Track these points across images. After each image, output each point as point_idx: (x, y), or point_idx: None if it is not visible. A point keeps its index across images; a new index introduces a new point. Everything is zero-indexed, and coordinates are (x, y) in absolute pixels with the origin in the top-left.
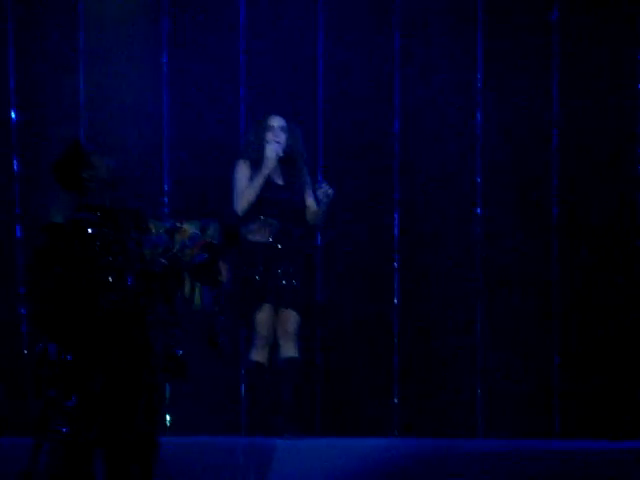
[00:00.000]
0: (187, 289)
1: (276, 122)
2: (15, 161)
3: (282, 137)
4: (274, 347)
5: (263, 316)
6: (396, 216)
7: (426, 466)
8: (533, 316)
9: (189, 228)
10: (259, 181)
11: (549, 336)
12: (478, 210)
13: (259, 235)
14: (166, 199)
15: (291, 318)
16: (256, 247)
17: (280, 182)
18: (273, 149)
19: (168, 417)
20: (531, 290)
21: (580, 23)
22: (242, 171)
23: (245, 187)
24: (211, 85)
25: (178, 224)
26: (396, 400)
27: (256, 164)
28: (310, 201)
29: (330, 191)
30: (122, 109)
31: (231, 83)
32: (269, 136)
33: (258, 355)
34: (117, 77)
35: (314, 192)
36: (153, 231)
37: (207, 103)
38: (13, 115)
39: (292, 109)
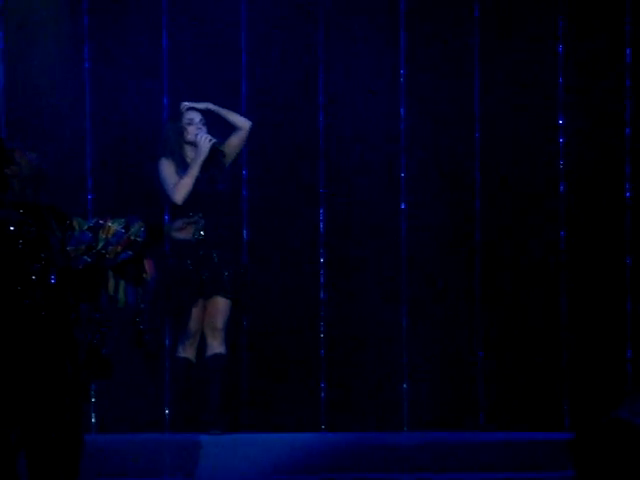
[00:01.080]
0: (111, 287)
1: (195, 116)
2: None
3: (204, 129)
4: (201, 343)
5: (195, 310)
6: (321, 211)
7: (352, 460)
8: (458, 309)
9: (113, 225)
10: (195, 169)
11: (474, 329)
12: (402, 205)
13: (184, 233)
14: (89, 196)
15: (219, 311)
16: (184, 241)
17: (200, 175)
18: (206, 137)
19: (93, 415)
20: (456, 284)
21: (502, 18)
22: (168, 167)
23: (178, 177)
24: (134, 82)
25: (102, 221)
26: (323, 395)
27: (179, 162)
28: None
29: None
30: (43, 106)
31: (154, 79)
32: (191, 130)
33: (186, 351)
34: (38, 73)
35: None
36: (77, 228)
37: (129, 99)
38: None
39: (216, 103)
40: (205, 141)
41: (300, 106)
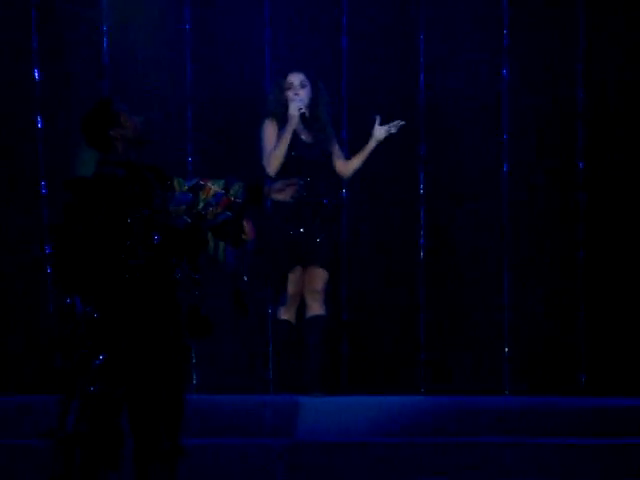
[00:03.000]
0: (211, 248)
1: (296, 79)
2: (39, 118)
3: (302, 93)
4: (301, 305)
5: (292, 275)
6: (421, 175)
7: (453, 423)
8: (561, 274)
9: (213, 186)
10: (285, 139)
11: (575, 287)
12: (505, 167)
13: (283, 195)
14: (190, 159)
15: (319, 276)
16: (285, 206)
17: (305, 138)
18: (295, 106)
19: (194, 375)
20: (559, 249)
21: None
22: (269, 130)
23: (273, 147)
24: (235, 43)
25: (202, 182)
26: (422, 357)
27: (282, 122)
28: (338, 154)
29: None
30: (146, 68)
31: (255, 41)
32: (290, 93)
33: (286, 313)
34: (141, 36)
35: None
36: (177, 189)
37: (231, 62)
38: (36, 74)
39: (315, 64)
40: (294, 110)
41: (400, 65)
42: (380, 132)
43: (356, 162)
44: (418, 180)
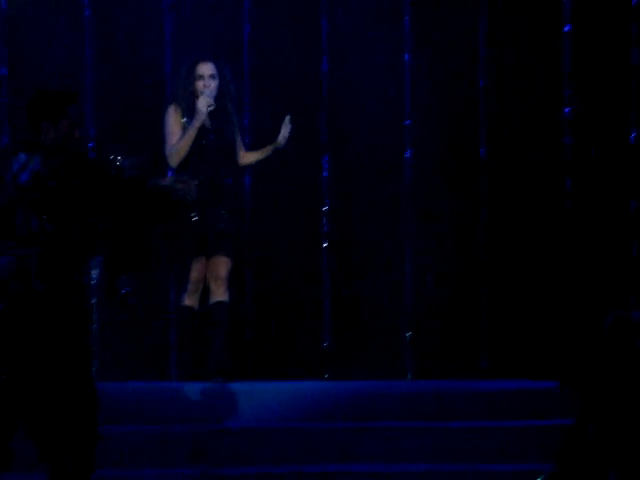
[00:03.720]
0: None
1: (206, 70)
2: None
3: (212, 84)
4: (204, 292)
5: (196, 261)
6: (326, 159)
7: (356, 408)
8: (463, 255)
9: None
10: (190, 135)
11: (477, 272)
12: (407, 154)
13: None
14: (91, 144)
15: (223, 263)
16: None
17: (210, 126)
18: (204, 102)
19: (96, 363)
20: (460, 230)
21: None
22: (172, 118)
23: (177, 138)
24: (136, 28)
25: None
26: (326, 344)
27: (186, 110)
28: (239, 143)
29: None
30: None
31: (155, 26)
32: (199, 85)
33: (189, 300)
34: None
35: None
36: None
37: (133, 47)
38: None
39: (219, 51)
40: (203, 106)
41: (303, 51)
42: (283, 140)
43: (253, 158)
44: (321, 167)
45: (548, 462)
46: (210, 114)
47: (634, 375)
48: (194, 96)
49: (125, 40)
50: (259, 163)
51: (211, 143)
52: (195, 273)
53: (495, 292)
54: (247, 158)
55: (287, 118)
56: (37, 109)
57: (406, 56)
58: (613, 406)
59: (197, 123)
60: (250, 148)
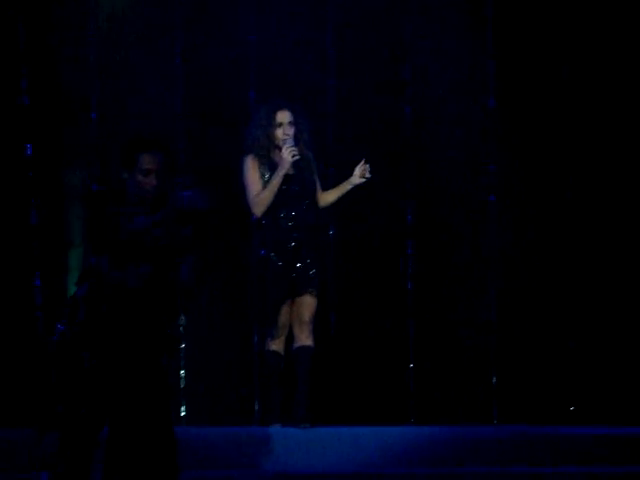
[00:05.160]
0: None
1: (285, 118)
2: (29, 146)
3: (291, 132)
4: (289, 336)
5: (283, 306)
6: (410, 205)
7: (441, 452)
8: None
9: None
10: (276, 184)
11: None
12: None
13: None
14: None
15: (308, 306)
16: (274, 238)
17: (292, 172)
18: (289, 151)
19: (183, 407)
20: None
21: None
22: (252, 168)
23: (260, 188)
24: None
25: None
26: (412, 387)
27: (264, 158)
28: (318, 186)
29: (367, 172)
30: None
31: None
32: (279, 133)
33: (275, 344)
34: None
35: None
36: None
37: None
38: (26, 101)
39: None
40: (288, 155)
41: (384, 96)
42: (356, 178)
43: (331, 197)
44: (405, 212)
45: None
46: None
47: None
48: (273, 144)
49: (213, 86)
50: (346, 206)
51: (294, 189)
52: (282, 317)
53: (581, 337)
54: (325, 198)
55: (362, 161)
56: (118, 157)
57: (491, 101)
58: None
59: (282, 172)
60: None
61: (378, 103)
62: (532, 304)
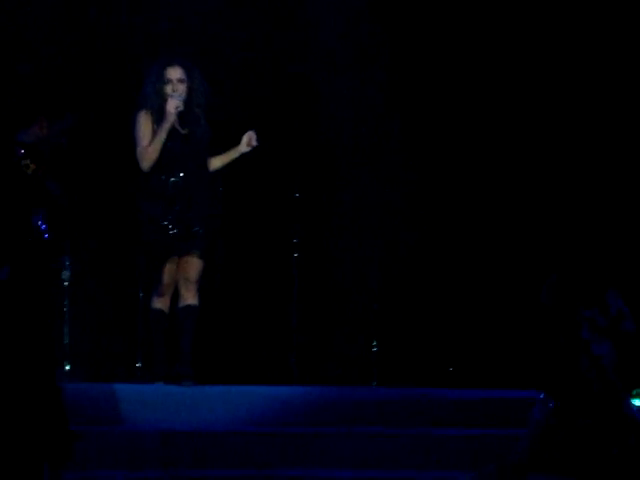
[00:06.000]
0: None
1: (175, 74)
2: None
3: (181, 88)
4: (174, 294)
5: (168, 264)
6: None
7: (321, 411)
8: None
9: None
10: (161, 136)
11: None
12: None
13: None
14: None
15: (193, 266)
16: (159, 194)
17: (181, 130)
18: (173, 104)
19: (66, 364)
20: None
21: None
22: (144, 123)
23: (148, 141)
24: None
25: None
26: (295, 349)
27: (157, 114)
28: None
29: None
30: None
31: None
32: (168, 88)
33: (160, 302)
34: None
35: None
36: None
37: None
38: None
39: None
40: (172, 108)
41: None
42: (243, 146)
43: (218, 163)
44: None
45: None
46: (180, 117)
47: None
48: (163, 100)
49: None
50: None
51: (181, 147)
52: (166, 276)
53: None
54: (212, 163)
55: (251, 131)
56: None
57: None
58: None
59: (167, 125)
60: None
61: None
62: (412, 273)
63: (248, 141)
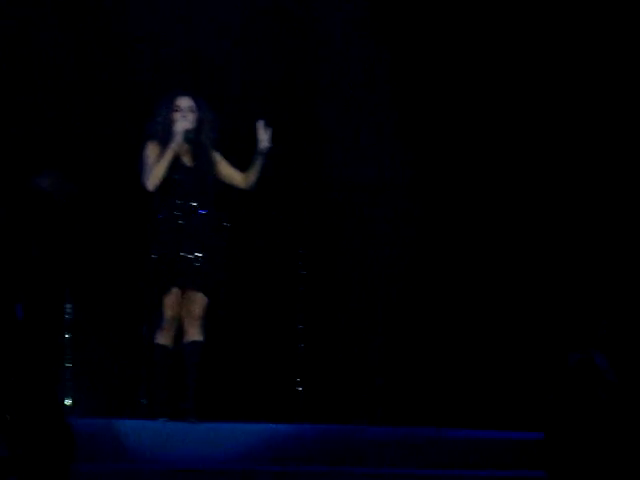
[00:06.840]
0: None
1: (184, 102)
2: None
3: (190, 116)
4: (179, 330)
5: (171, 299)
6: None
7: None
8: None
9: None
10: (168, 156)
11: None
12: None
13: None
14: None
15: (198, 301)
16: (163, 227)
17: (189, 164)
18: (181, 125)
19: (69, 400)
20: None
21: None
22: (152, 151)
23: (154, 164)
24: None
25: None
26: (300, 387)
27: (165, 145)
28: (230, 171)
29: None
30: None
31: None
32: (177, 116)
33: (163, 338)
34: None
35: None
36: None
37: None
38: None
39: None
40: (179, 128)
41: None
42: (262, 144)
43: (252, 175)
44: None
45: None
46: (188, 148)
47: (594, 423)
48: (172, 129)
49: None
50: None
51: (187, 178)
52: (170, 311)
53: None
54: (249, 179)
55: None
56: None
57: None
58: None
59: (174, 145)
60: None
61: None
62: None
63: (262, 134)
